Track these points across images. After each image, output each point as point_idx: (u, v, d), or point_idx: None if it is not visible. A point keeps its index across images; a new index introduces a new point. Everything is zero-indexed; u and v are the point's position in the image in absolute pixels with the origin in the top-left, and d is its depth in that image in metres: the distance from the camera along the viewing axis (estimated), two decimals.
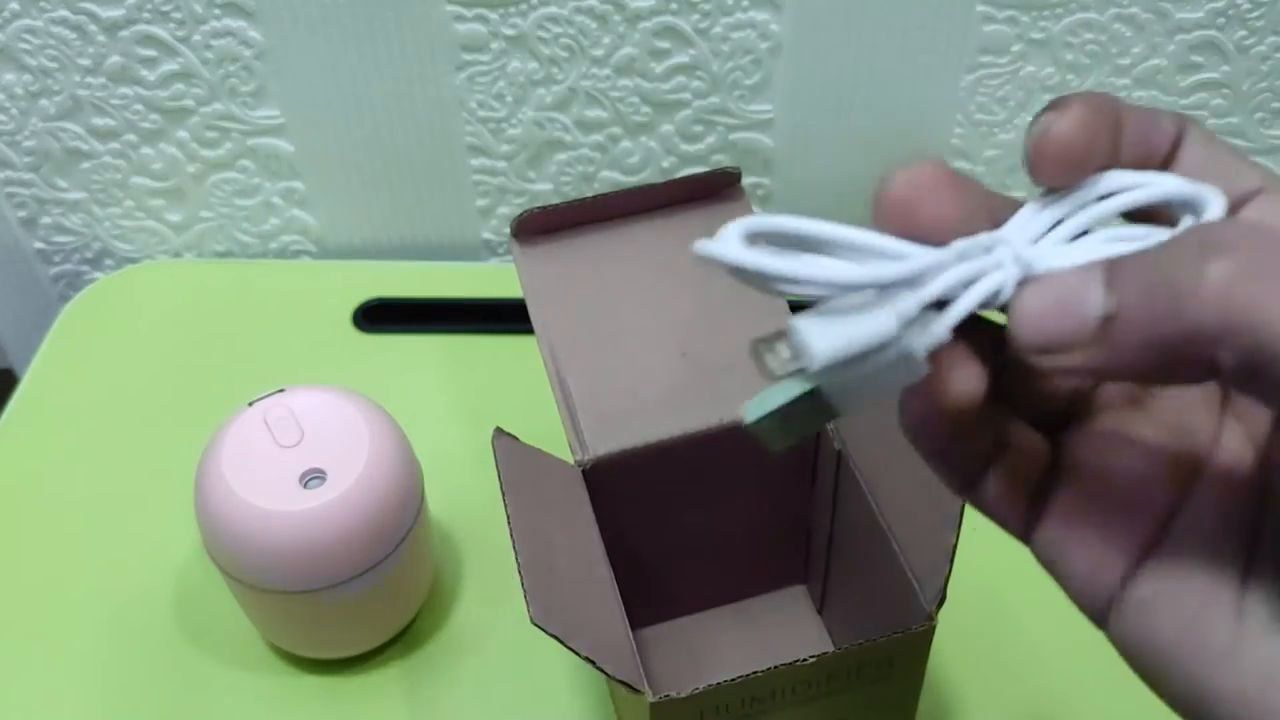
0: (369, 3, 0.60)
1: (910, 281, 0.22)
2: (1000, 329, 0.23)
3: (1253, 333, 0.19)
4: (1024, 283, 0.22)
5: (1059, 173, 0.23)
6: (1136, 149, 0.24)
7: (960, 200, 0.22)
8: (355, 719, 0.50)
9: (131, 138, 0.66)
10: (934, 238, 0.22)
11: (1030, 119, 0.66)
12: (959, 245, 0.22)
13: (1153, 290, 0.20)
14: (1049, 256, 0.22)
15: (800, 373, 0.23)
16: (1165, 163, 0.24)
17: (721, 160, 0.66)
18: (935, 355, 0.22)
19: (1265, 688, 0.21)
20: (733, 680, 0.38)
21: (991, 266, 0.22)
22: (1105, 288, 0.20)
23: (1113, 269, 0.21)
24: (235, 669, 0.52)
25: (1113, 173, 0.23)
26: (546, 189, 0.69)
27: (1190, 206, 0.23)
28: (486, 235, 0.71)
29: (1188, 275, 0.19)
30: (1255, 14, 0.59)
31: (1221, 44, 0.60)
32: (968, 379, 0.22)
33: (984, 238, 0.22)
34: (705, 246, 0.22)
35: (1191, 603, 0.23)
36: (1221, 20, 0.59)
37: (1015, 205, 0.24)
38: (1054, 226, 0.23)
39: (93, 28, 0.62)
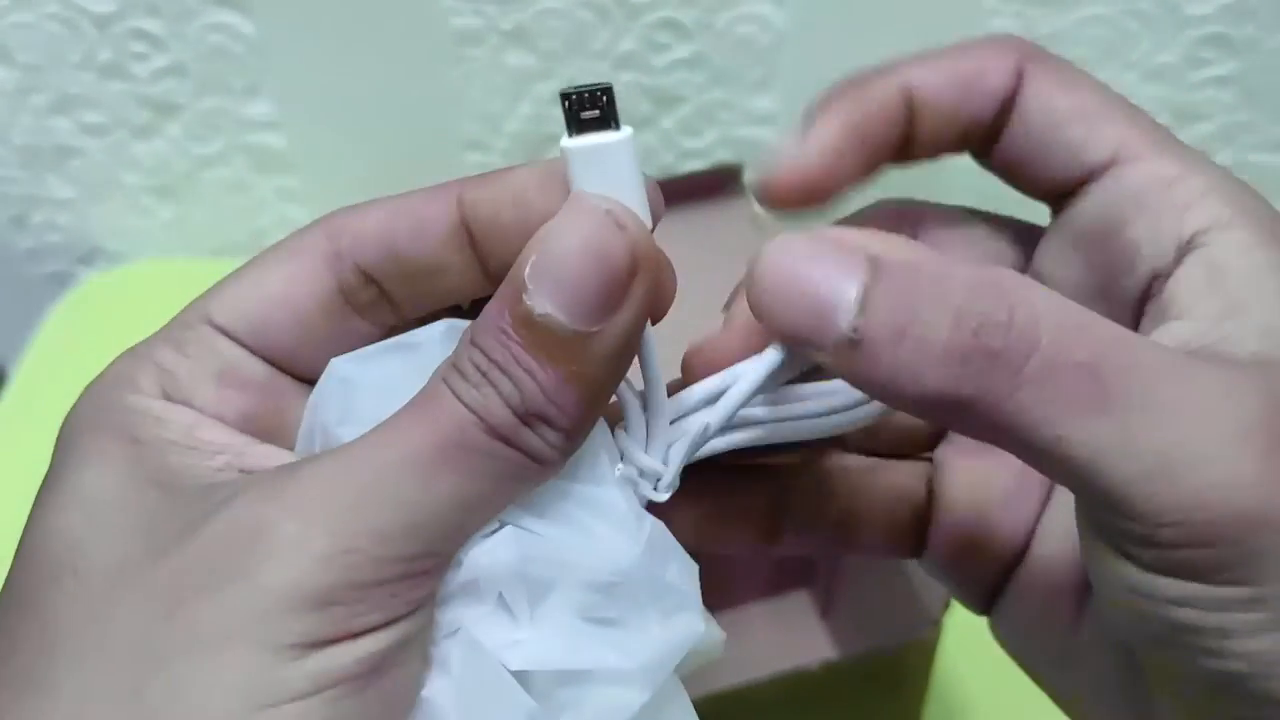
0: None
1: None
2: None
3: (993, 439, 0.19)
4: (776, 245, 0.20)
5: (791, 206, 0.23)
6: (958, 110, 0.23)
7: (854, 163, 0.23)
8: None
9: (123, 134, 0.66)
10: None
11: None
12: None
13: (902, 336, 0.19)
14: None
15: None
16: (1001, 113, 0.23)
17: (723, 156, 0.66)
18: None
19: (1095, 699, 0.22)
20: (735, 687, 0.37)
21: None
22: (858, 301, 0.19)
23: (873, 281, 0.19)
24: None
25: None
26: None
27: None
28: None
29: (932, 375, 0.19)
30: (1265, 9, 0.59)
31: (1232, 39, 0.60)
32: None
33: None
34: None
35: (1033, 613, 0.23)
36: (1231, 15, 0.59)
37: None
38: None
39: (84, 22, 0.61)
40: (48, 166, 0.68)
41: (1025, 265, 0.24)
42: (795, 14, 0.60)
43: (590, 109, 0.21)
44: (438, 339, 0.22)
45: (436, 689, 0.20)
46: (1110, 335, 0.19)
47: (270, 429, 0.22)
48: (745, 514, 0.25)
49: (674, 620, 0.22)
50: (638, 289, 0.20)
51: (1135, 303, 0.22)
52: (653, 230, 0.22)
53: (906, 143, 0.23)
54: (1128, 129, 0.22)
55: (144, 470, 0.21)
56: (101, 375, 0.23)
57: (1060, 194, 0.23)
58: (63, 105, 0.65)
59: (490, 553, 0.21)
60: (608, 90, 0.21)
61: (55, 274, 0.74)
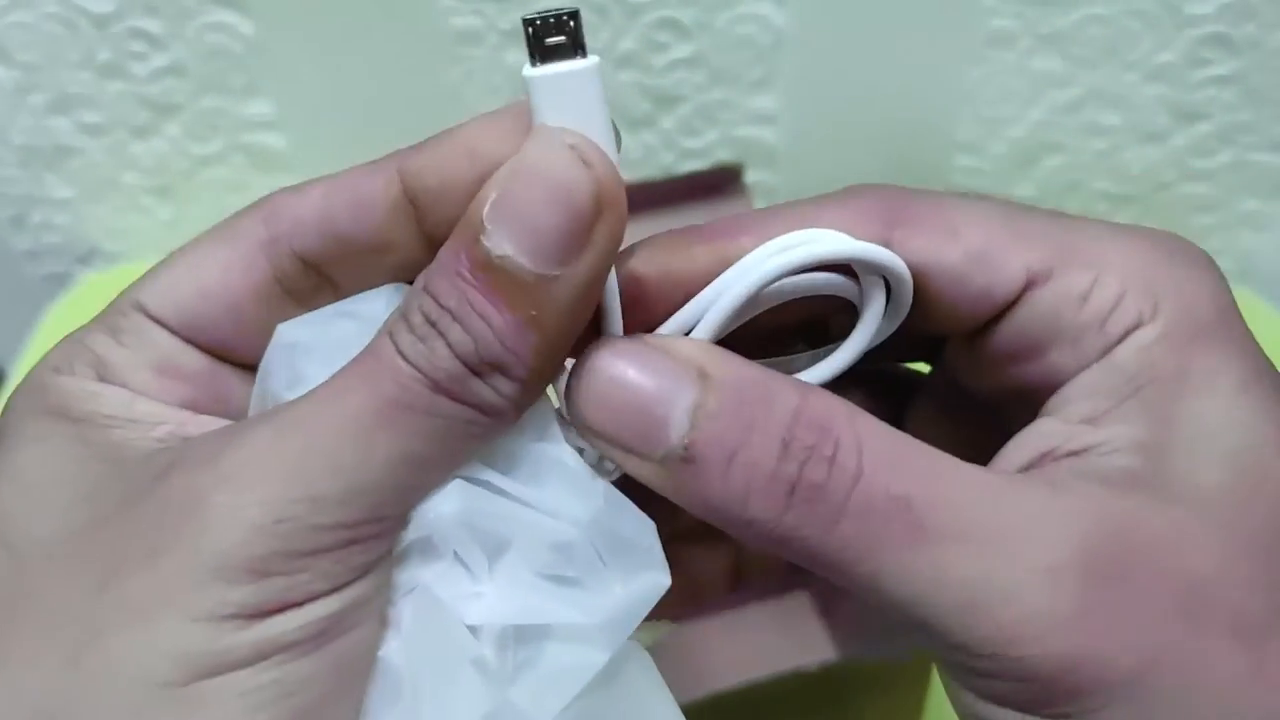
0: None
1: None
2: None
3: (821, 571, 0.19)
4: (601, 351, 0.20)
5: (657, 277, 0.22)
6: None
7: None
8: None
9: (121, 133, 0.66)
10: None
11: (1039, 115, 0.66)
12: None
13: (731, 461, 0.18)
14: None
15: None
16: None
17: (723, 156, 0.66)
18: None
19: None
20: (735, 688, 0.37)
21: None
22: (689, 419, 0.19)
23: (705, 398, 0.19)
24: None
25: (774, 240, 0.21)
26: None
27: (868, 266, 0.20)
28: None
29: (759, 505, 0.18)
30: (1266, 8, 0.58)
31: (1232, 39, 0.60)
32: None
33: None
34: None
35: None
36: (1232, 15, 0.59)
37: None
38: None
39: (82, 22, 0.61)
40: (46, 166, 0.68)
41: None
42: (795, 14, 0.60)
43: (556, 34, 0.20)
44: (386, 300, 0.21)
45: (391, 648, 0.20)
46: (930, 466, 0.19)
47: (215, 415, 0.22)
48: (711, 580, 0.25)
49: (637, 578, 0.21)
50: (602, 230, 0.19)
51: (1036, 397, 0.21)
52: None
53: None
54: (1027, 250, 0.20)
55: (83, 446, 0.20)
56: (37, 363, 0.22)
57: (965, 333, 0.22)
58: (61, 105, 0.65)
59: (436, 507, 0.20)
60: (575, 14, 0.20)
61: (54, 274, 0.74)
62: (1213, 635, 0.18)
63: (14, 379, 0.64)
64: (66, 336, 0.22)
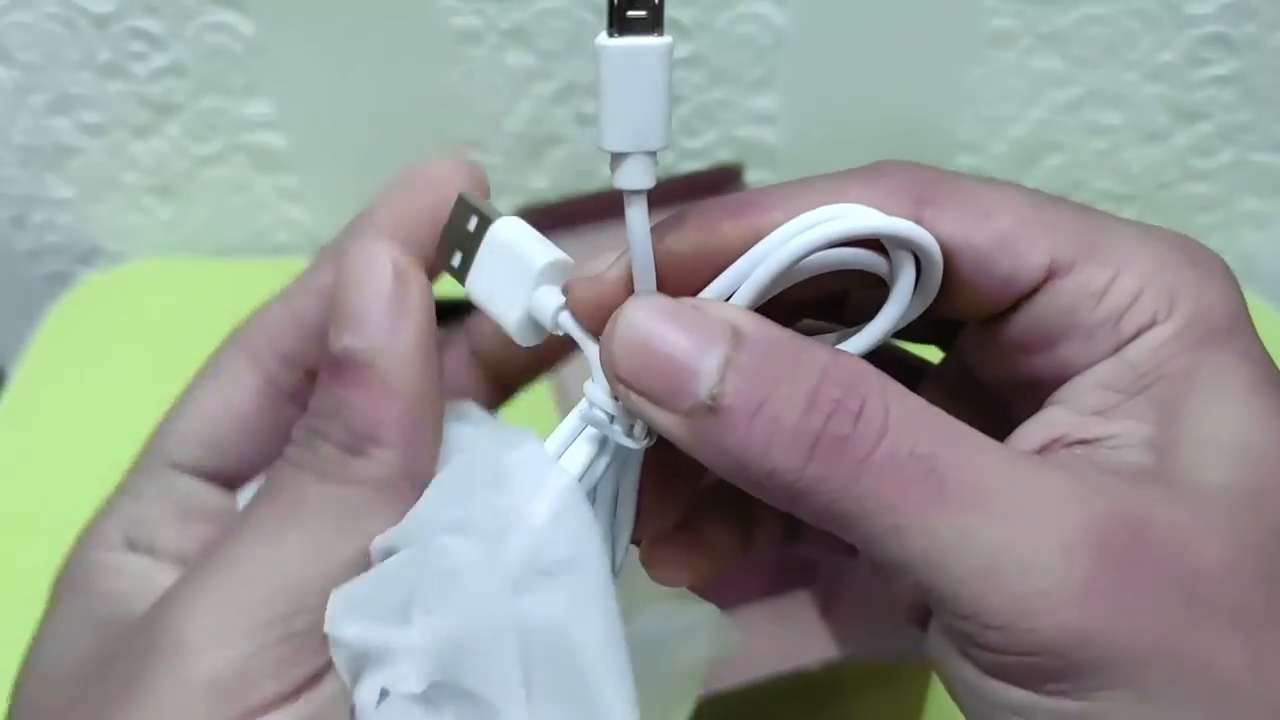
0: None
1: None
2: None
3: (836, 529, 0.19)
4: (638, 303, 0.20)
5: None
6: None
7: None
8: None
9: (122, 133, 0.66)
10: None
11: (1039, 114, 0.65)
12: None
13: (759, 409, 0.19)
14: None
15: None
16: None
17: (723, 156, 0.66)
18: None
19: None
20: (736, 687, 0.37)
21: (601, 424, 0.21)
22: (719, 370, 0.19)
23: (736, 352, 0.19)
24: None
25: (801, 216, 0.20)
26: (544, 185, 0.68)
27: (900, 242, 0.20)
28: None
29: (782, 454, 0.19)
30: (1266, 8, 0.59)
31: (1232, 38, 0.60)
32: (675, 574, 0.24)
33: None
34: None
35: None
36: (1232, 14, 0.59)
37: None
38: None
39: (83, 22, 0.61)
40: (47, 166, 0.68)
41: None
42: (795, 13, 0.60)
43: (639, 8, 0.20)
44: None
45: None
46: (955, 432, 0.19)
47: None
48: (723, 553, 0.26)
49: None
50: (413, 295, 0.22)
51: (1049, 386, 0.21)
52: (657, 152, 0.21)
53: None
54: (1052, 240, 0.20)
55: (95, 618, 0.23)
56: (81, 533, 0.25)
57: (984, 319, 0.22)
58: (62, 105, 0.65)
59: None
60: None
61: (55, 274, 0.74)
62: (1214, 626, 0.18)
63: (15, 379, 0.64)
64: (103, 504, 0.26)
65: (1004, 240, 0.20)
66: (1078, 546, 0.18)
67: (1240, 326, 0.21)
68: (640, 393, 0.19)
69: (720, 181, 0.47)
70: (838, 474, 0.18)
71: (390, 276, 0.22)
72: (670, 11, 0.59)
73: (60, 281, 0.74)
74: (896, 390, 0.19)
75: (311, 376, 0.24)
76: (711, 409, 0.19)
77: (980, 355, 0.23)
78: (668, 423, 0.19)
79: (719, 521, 0.25)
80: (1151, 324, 0.20)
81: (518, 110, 0.64)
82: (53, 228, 0.71)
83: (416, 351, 0.22)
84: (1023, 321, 0.21)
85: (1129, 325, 0.20)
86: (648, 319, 0.19)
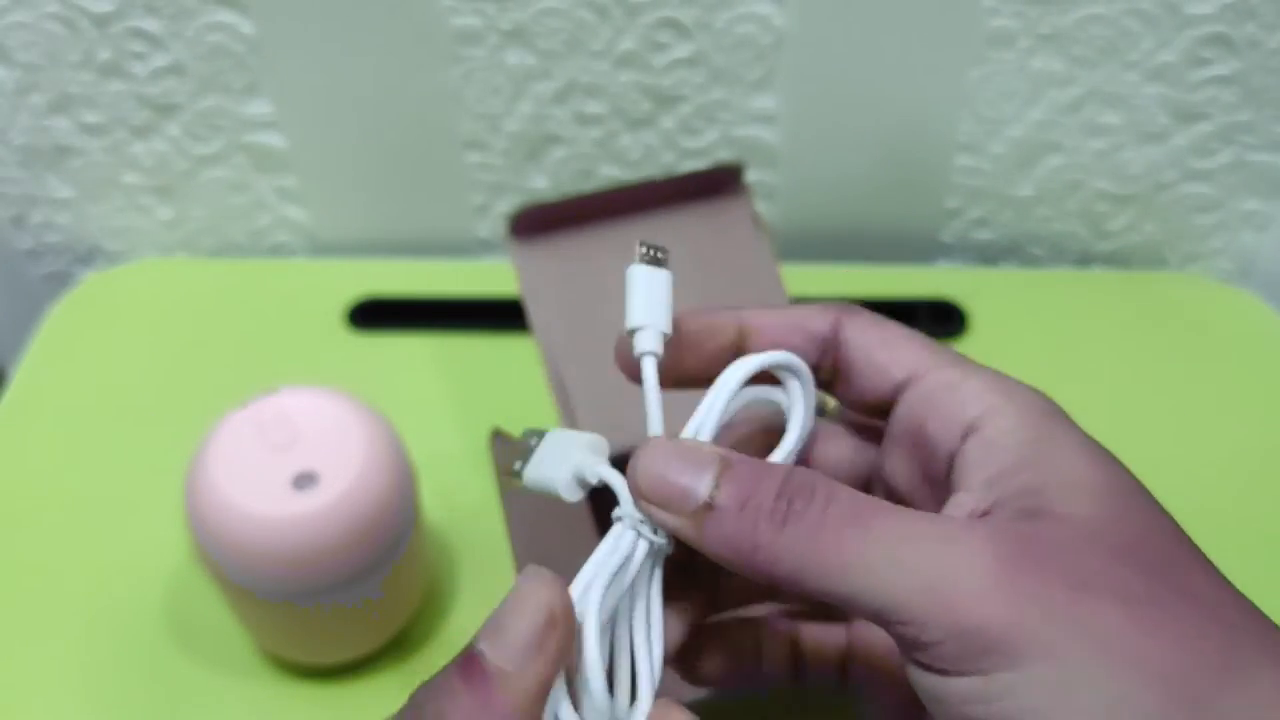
0: None
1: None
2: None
3: (813, 583, 0.25)
4: (650, 443, 0.28)
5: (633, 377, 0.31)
6: (781, 344, 0.30)
7: (682, 355, 0.31)
8: None
9: (122, 134, 0.66)
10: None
11: (1039, 114, 0.66)
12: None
13: (744, 505, 0.26)
14: None
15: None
16: (822, 353, 0.30)
17: (723, 155, 0.66)
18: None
19: None
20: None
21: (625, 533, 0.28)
22: (713, 482, 0.26)
23: (724, 469, 0.26)
24: (226, 675, 0.51)
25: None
26: (544, 184, 0.68)
27: (785, 368, 0.30)
28: (483, 232, 0.71)
29: (763, 530, 0.25)
30: (1266, 8, 0.59)
31: (1232, 39, 0.60)
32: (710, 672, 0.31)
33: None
34: None
35: None
36: (1232, 15, 0.59)
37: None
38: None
39: (83, 22, 0.61)
40: (47, 166, 0.68)
41: (926, 371, 0.29)
42: (795, 14, 0.60)
43: (654, 254, 0.31)
44: None
45: None
46: (881, 503, 0.26)
47: None
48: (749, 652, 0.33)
49: None
50: (554, 640, 0.26)
51: (945, 481, 0.28)
52: (668, 334, 0.30)
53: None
54: (921, 352, 0.29)
55: None
56: None
57: (881, 410, 0.30)
58: (62, 105, 0.65)
59: None
60: (666, 250, 0.31)
61: (54, 274, 0.74)
62: (1096, 602, 0.23)
63: (15, 379, 0.64)
64: None
65: (885, 341, 0.29)
66: (987, 560, 0.24)
67: (1059, 409, 0.28)
68: (660, 507, 0.27)
69: (721, 181, 0.48)
70: (802, 537, 0.25)
71: (544, 618, 0.26)
72: (670, 12, 0.59)
73: (60, 281, 0.74)
74: (838, 484, 0.26)
75: None
76: (710, 507, 0.26)
77: (891, 463, 0.30)
78: (680, 524, 0.27)
79: (736, 626, 0.33)
80: (994, 413, 0.27)
81: (518, 110, 0.65)
82: (52, 227, 0.71)
83: (534, 688, 0.25)
84: (903, 412, 0.29)
85: (974, 408, 0.27)
86: (661, 459, 0.27)
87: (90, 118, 0.65)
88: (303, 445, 0.46)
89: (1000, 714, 0.23)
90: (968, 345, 0.65)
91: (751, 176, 0.67)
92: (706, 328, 0.31)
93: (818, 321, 0.30)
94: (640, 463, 0.27)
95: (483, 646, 0.26)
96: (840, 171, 0.67)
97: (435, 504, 0.53)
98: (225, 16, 0.61)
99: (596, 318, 0.46)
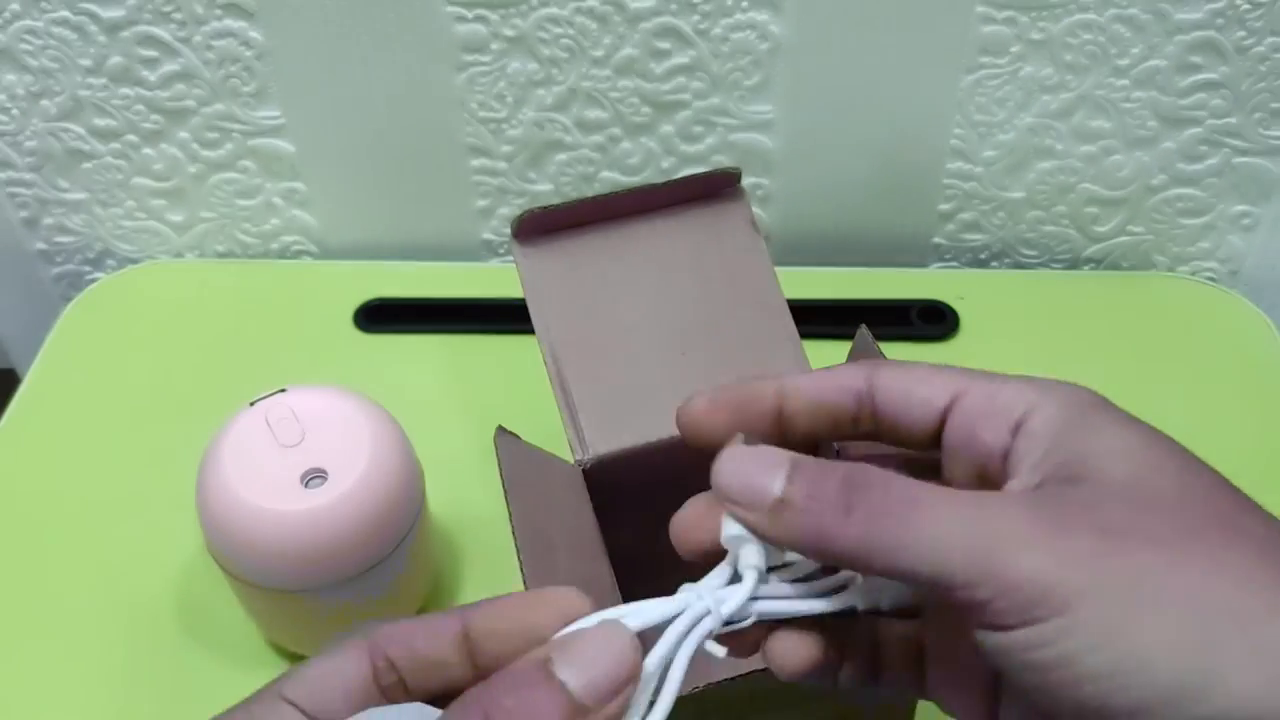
0: (370, 3, 0.60)
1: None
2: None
3: (878, 560, 0.27)
4: (730, 451, 0.30)
5: (690, 438, 0.32)
6: (820, 400, 0.32)
7: (729, 424, 0.32)
8: None
9: (133, 138, 0.67)
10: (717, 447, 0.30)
11: (1030, 119, 0.66)
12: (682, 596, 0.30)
13: (812, 497, 0.28)
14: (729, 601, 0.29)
15: None
16: (858, 404, 0.32)
17: (721, 161, 0.67)
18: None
19: None
20: (733, 678, 0.38)
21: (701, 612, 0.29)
22: (784, 480, 0.28)
23: (793, 468, 0.28)
24: (236, 668, 0.52)
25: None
26: (547, 189, 0.69)
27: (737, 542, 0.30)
28: (487, 235, 0.71)
29: (829, 519, 0.27)
30: (1254, 14, 0.59)
31: (1220, 44, 0.60)
32: (793, 657, 0.31)
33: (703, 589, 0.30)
34: None
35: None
36: (1220, 21, 0.59)
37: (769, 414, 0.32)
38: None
39: (93, 28, 0.62)
40: (59, 170, 0.68)
41: (949, 402, 0.31)
42: (792, 22, 0.61)
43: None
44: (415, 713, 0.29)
45: None
46: (929, 485, 0.27)
47: None
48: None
49: None
50: (628, 687, 0.27)
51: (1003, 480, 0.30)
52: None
53: (782, 423, 0.32)
54: (956, 376, 0.31)
55: None
56: None
57: (933, 439, 0.31)
58: (74, 110, 0.65)
59: None
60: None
61: (67, 275, 0.74)
62: (1129, 543, 0.25)
63: (28, 380, 0.65)
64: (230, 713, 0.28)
65: (922, 378, 0.31)
66: (1022, 522, 0.26)
67: (1105, 400, 0.29)
68: (739, 505, 0.29)
69: (718, 186, 0.48)
70: (863, 522, 0.27)
71: (629, 668, 0.27)
72: (670, 19, 0.60)
73: (72, 284, 0.74)
74: (892, 474, 0.28)
75: (399, 678, 0.29)
76: (783, 502, 0.28)
77: (954, 479, 0.31)
78: (757, 520, 0.29)
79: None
80: (1036, 408, 0.29)
81: (521, 116, 0.65)
82: (65, 230, 0.72)
83: None
84: (952, 433, 0.30)
85: (1017, 407, 0.29)
86: (739, 462, 0.29)
87: (102, 123, 0.66)
88: (311, 443, 0.47)
89: (1057, 657, 0.25)
90: (959, 346, 0.66)
91: (748, 181, 0.67)
92: (748, 394, 0.32)
93: (851, 377, 0.32)
94: (722, 467, 0.29)
95: (562, 673, 0.26)
96: (835, 176, 0.68)
97: (441, 500, 0.54)
98: (235, 24, 0.62)
99: (598, 319, 0.47)
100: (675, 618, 0.29)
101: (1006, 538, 0.26)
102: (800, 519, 0.28)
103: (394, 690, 0.29)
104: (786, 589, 0.30)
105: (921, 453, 0.33)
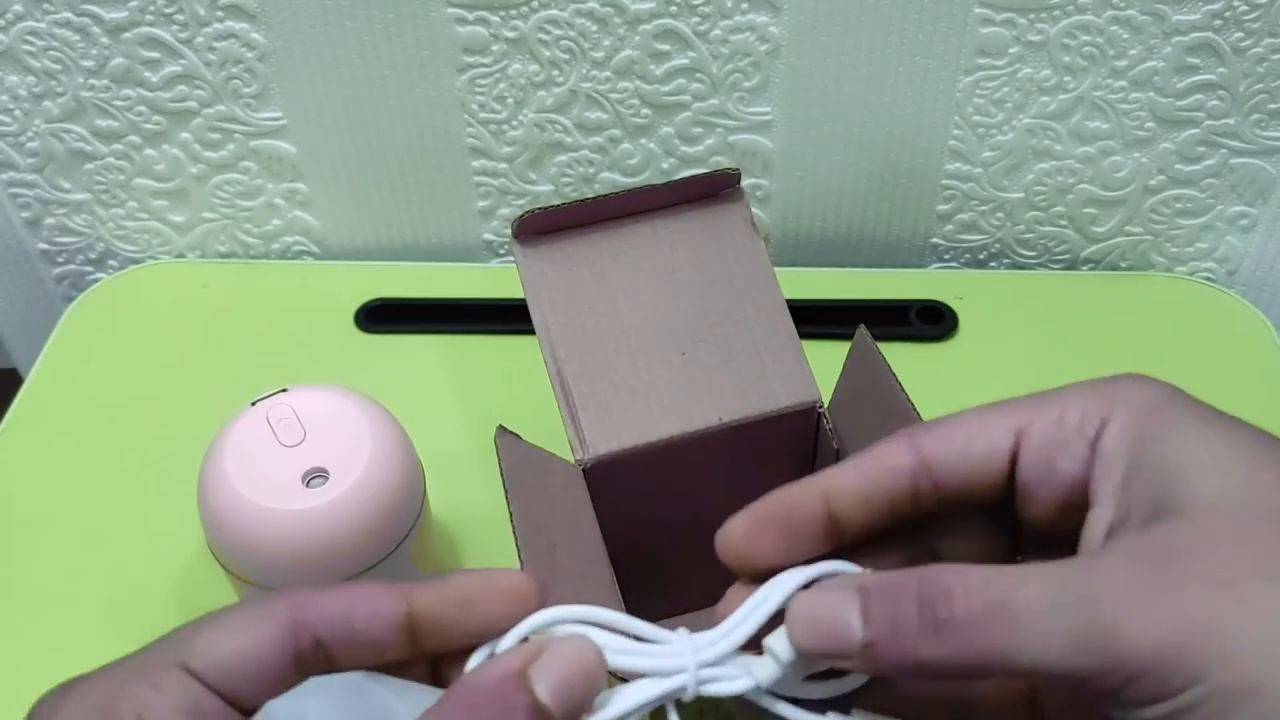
0: (371, 5, 0.61)
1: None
2: None
3: (992, 669, 0.25)
4: (797, 598, 0.27)
5: (738, 568, 0.29)
6: (875, 482, 0.29)
7: (776, 544, 0.29)
8: None
9: (135, 139, 0.67)
10: (765, 573, 0.28)
11: (1028, 120, 0.66)
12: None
13: (896, 629, 0.26)
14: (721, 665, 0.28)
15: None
16: (919, 475, 0.29)
17: (721, 162, 0.67)
18: None
19: None
20: None
21: (674, 671, 0.27)
22: (861, 619, 0.26)
23: (866, 602, 0.26)
24: None
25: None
26: (547, 190, 0.69)
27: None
28: (487, 236, 0.72)
29: (922, 647, 0.25)
30: (1252, 16, 0.59)
31: (1218, 46, 0.60)
32: None
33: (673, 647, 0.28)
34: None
35: None
36: (1218, 22, 0.59)
37: (822, 531, 0.29)
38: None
39: (96, 29, 0.62)
40: (61, 171, 0.69)
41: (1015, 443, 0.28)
42: (790, 24, 0.61)
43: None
44: (354, 683, 0.27)
45: None
46: (1012, 572, 0.25)
47: None
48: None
49: None
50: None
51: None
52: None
53: (833, 526, 0.29)
54: (1010, 413, 0.28)
55: None
56: (85, 705, 0.27)
57: (1002, 491, 0.29)
58: (76, 111, 0.66)
59: None
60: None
61: (69, 276, 0.75)
62: (1253, 591, 0.23)
63: (30, 381, 0.65)
64: (109, 680, 0.27)
65: (970, 434, 0.28)
66: (1125, 593, 0.24)
67: (1177, 394, 0.27)
68: (829, 656, 0.27)
69: (718, 186, 0.48)
70: (960, 638, 0.25)
71: (591, 689, 0.26)
72: (670, 21, 0.60)
73: (74, 284, 0.74)
74: (965, 568, 0.26)
75: (327, 659, 0.27)
76: (868, 644, 0.26)
77: (1028, 515, 0.29)
78: (853, 664, 0.26)
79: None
80: (1106, 420, 0.27)
81: (522, 117, 0.65)
82: (67, 231, 0.72)
83: None
84: (1026, 472, 0.28)
85: (1089, 429, 0.27)
86: (808, 608, 0.27)
87: (104, 124, 0.66)
88: (313, 442, 0.47)
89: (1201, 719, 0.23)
90: (958, 346, 0.66)
91: (748, 182, 0.67)
92: (789, 506, 0.29)
93: (896, 455, 0.29)
94: (793, 626, 0.27)
95: (538, 689, 0.26)
96: (834, 177, 0.68)
97: (441, 500, 0.54)
98: (236, 25, 0.62)
99: (598, 319, 0.47)
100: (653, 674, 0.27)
101: (1117, 614, 0.24)
102: (892, 653, 0.26)
103: (315, 670, 0.28)
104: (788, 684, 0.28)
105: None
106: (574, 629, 0.28)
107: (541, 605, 0.28)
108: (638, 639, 0.28)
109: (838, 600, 0.27)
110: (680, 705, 0.28)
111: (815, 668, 0.28)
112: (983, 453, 0.28)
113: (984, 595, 0.25)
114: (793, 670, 0.28)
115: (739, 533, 0.29)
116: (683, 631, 0.28)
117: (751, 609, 0.28)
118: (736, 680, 0.28)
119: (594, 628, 0.28)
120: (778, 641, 0.27)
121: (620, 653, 0.27)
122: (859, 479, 0.29)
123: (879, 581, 0.27)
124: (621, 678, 0.28)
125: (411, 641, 0.28)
